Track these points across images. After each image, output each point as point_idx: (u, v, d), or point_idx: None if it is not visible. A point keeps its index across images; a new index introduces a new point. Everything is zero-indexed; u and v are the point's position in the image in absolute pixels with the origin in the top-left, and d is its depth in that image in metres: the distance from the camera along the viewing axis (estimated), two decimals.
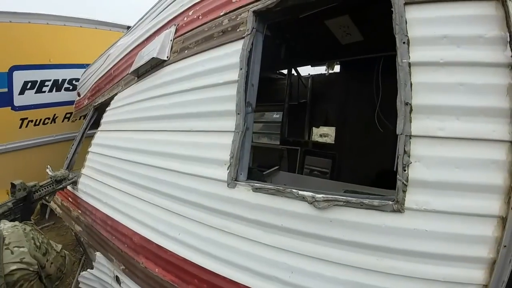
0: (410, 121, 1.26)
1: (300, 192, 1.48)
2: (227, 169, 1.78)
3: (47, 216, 6.03)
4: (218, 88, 2.01)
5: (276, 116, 6.84)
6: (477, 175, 1.16)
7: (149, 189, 2.33)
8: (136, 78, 3.10)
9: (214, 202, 1.82)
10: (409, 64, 1.30)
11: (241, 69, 1.87)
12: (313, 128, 5.89)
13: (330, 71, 5.56)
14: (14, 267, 1.55)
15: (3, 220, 1.73)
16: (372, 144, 4.35)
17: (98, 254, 2.87)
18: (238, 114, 1.82)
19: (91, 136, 4.45)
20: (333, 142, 5.49)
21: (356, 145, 4.64)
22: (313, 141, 5.72)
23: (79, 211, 3.35)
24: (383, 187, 2.70)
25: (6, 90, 5.41)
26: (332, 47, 3.99)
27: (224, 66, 2.01)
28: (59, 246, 1.97)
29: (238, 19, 2.02)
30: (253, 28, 1.90)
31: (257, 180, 1.79)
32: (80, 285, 3.15)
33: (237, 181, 1.74)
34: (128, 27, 6.45)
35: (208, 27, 2.25)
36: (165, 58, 2.60)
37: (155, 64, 2.72)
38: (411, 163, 1.24)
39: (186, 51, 2.40)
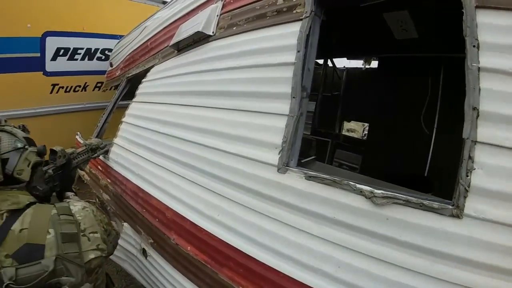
0: (476, 127, 1.21)
1: (358, 186, 1.42)
2: (279, 154, 1.72)
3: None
4: (271, 69, 1.93)
5: None
6: None
7: (188, 166, 2.29)
8: (176, 51, 3.04)
9: (260, 185, 1.76)
10: (478, 69, 1.24)
11: (298, 51, 1.79)
12: (344, 122, 5.78)
13: (367, 66, 5.45)
14: (92, 255, 1.53)
15: (71, 201, 1.69)
16: (405, 146, 4.27)
17: (125, 224, 2.89)
18: (294, 98, 1.75)
19: (122, 107, 4.48)
20: (362, 138, 5.35)
21: (387, 144, 4.53)
22: (344, 135, 5.62)
23: (108, 180, 3.38)
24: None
25: (38, 55, 5.45)
26: (379, 43, 3.87)
27: (278, 47, 1.93)
28: (113, 224, 1.96)
29: (294, 0, 1.93)
30: (311, 11, 1.81)
31: (298, 166, 1.73)
32: None
33: (288, 167, 1.68)
34: (164, 2, 6.42)
35: (260, 6, 2.16)
36: (211, 33, 2.53)
37: (199, 39, 2.65)
38: (474, 169, 1.18)
39: (234, 28, 2.32)
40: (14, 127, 1.69)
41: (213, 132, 2.18)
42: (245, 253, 1.76)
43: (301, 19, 1.84)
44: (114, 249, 1.90)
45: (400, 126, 4.36)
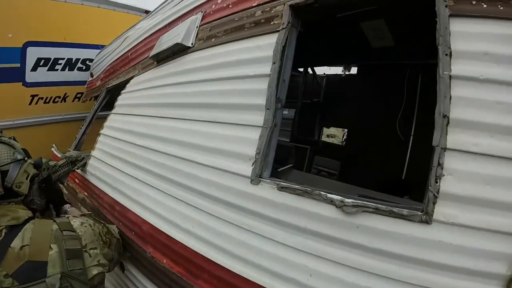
0: (446, 134, 1.24)
1: (329, 195, 1.44)
2: (252, 165, 1.72)
3: None
4: (247, 81, 1.94)
5: (286, 112, 6.82)
6: (506, 193, 1.14)
7: (164, 178, 2.26)
8: (155, 62, 3.03)
9: (234, 197, 1.76)
10: (450, 77, 1.27)
11: (274, 63, 1.80)
12: (324, 128, 5.85)
13: (347, 73, 5.54)
14: (95, 271, 1.51)
15: (70, 217, 1.67)
16: (383, 150, 4.37)
17: None
18: (268, 109, 1.75)
19: (101, 118, 4.42)
20: (342, 144, 5.43)
21: (366, 149, 4.62)
22: (323, 141, 5.72)
23: (86, 194, 3.29)
24: (390, 194, 2.72)
25: (18, 65, 5.34)
26: (357, 51, 3.94)
27: (254, 58, 1.94)
28: (114, 227, 1.91)
29: (272, 11, 1.95)
30: (289, 22, 1.84)
31: (272, 177, 1.75)
32: None
33: (261, 178, 1.68)
34: (146, 11, 6.41)
35: (239, 17, 2.18)
36: (190, 45, 2.53)
37: (178, 50, 2.65)
38: (443, 175, 1.22)
39: (213, 40, 2.33)
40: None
41: (189, 144, 2.16)
42: (219, 265, 1.74)
43: (278, 31, 1.86)
44: (120, 255, 1.91)
45: (378, 131, 4.46)
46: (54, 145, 4.50)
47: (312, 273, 1.45)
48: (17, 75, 5.38)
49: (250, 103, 1.87)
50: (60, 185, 3.66)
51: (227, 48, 2.18)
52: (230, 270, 1.70)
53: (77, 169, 2.94)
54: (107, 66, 4.66)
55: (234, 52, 2.10)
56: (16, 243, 1.38)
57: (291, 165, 2.33)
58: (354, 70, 5.44)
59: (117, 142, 3.07)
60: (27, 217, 1.51)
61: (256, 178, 1.68)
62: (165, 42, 2.79)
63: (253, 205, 1.67)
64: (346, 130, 6.46)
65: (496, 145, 1.17)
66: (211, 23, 2.45)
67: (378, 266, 1.30)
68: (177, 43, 2.56)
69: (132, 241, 2.38)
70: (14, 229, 1.43)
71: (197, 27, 2.57)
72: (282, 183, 1.60)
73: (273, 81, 1.78)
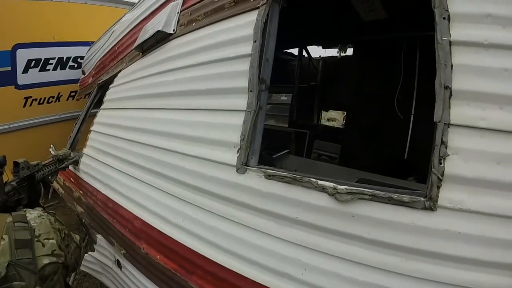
0: (449, 108, 1.10)
1: (320, 182, 1.32)
2: (237, 153, 1.60)
3: (49, 196, 5.97)
4: (228, 63, 1.82)
5: (284, 98, 6.75)
6: None
7: (152, 172, 2.18)
8: (140, 53, 2.93)
9: (221, 188, 1.65)
10: (450, 43, 1.13)
11: (255, 41, 1.68)
12: (322, 111, 5.74)
13: (342, 54, 5.42)
14: (46, 261, 1.47)
15: (28, 210, 1.66)
16: (383, 131, 4.23)
17: (99, 236, 2.78)
18: (251, 91, 1.63)
19: (95, 115, 4.37)
20: (343, 127, 5.35)
21: (366, 130, 4.49)
22: (322, 125, 5.63)
23: (81, 192, 3.25)
24: (393, 175, 2.61)
25: (9, 69, 5.29)
26: (350, 27, 3.80)
27: (235, 38, 1.83)
28: (77, 237, 1.91)
29: None
30: None
31: (266, 164, 1.62)
32: (81, 267, 3.06)
33: (248, 166, 1.56)
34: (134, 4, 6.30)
35: None
36: (171, 32, 2.42)
37: (161, 38, 2.55)
38: (448, 155, 1.08)
39: (194, 24, 2.22)
40: None
41: (173, 134, 2.06)
42: (211, 260, 1.65)
43: (259, 7, 1.74)
44: (78, 263, 1.85)
45: (378, 112, 4.32)
46: (52, 145, 4.47)
47: (307, 267, 1.35)
48: (9, 79, 5.35)
49: (232, 86, 1.76)
50: (56, 184, 3.65)
51: (208, 31, 2.06)
52: (222, 265, 1.61)
53: (66, 167, 2.89)
54: (97, 62, 4.57)
55: (215, 34, 1.99)
56: None
57: (287, 150, 2.21)
58: (350, 52, 5.32)
59: (106, 137, 3.00)
60: None
61: (242, 167, 1.57)
62: (148, 31, 2.69)
63: (240, 196, 1.56)
64: (345, 112, 6.39)
65: (506, 118, 1.04)
66: (192, 7, 2.34)
67: (378, 259, 1.19)
68: (158, 31, 2.46)
69: (126, 237, 2.33)
70: None
71: (178, 12, 2.47)
72: (269, 170, 1.49)
73: (255, 60, 1.66)
